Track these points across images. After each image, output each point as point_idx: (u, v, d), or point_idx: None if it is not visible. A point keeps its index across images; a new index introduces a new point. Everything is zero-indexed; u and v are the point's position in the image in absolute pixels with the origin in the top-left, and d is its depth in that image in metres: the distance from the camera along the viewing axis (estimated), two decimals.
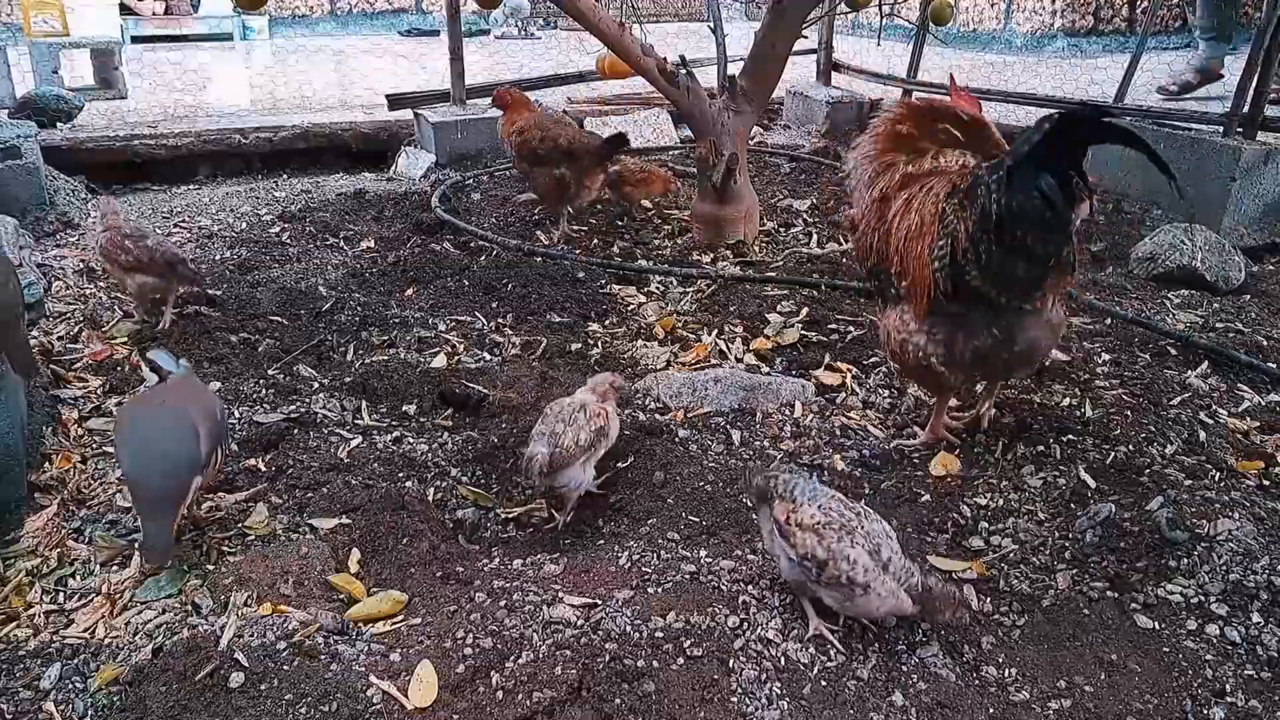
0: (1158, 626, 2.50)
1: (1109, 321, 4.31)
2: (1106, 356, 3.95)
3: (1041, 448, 3.27)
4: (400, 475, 3.15)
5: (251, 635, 2.34)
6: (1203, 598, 2.56)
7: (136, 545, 2.68)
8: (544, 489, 3.03)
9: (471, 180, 6.82)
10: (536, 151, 5.37)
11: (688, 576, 2.59)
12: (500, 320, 4.46)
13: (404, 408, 3.61)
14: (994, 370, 3.17)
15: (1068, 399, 3.58)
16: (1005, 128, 7.68)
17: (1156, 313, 4.45)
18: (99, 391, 3.65)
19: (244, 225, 5.82)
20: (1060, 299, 3.09)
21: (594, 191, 5.56)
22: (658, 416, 3.57)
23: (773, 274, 4.94)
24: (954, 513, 2.99)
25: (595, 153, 5.40)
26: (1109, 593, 2.62)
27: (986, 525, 2.93)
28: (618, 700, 2.15)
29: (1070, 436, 3.31)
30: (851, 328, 4.30)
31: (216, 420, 2.79)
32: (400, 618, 2.50)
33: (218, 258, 5.19)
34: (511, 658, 2.28)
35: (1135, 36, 9.56)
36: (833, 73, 8.99)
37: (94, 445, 3.29)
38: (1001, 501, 3.03)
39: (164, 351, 2.94)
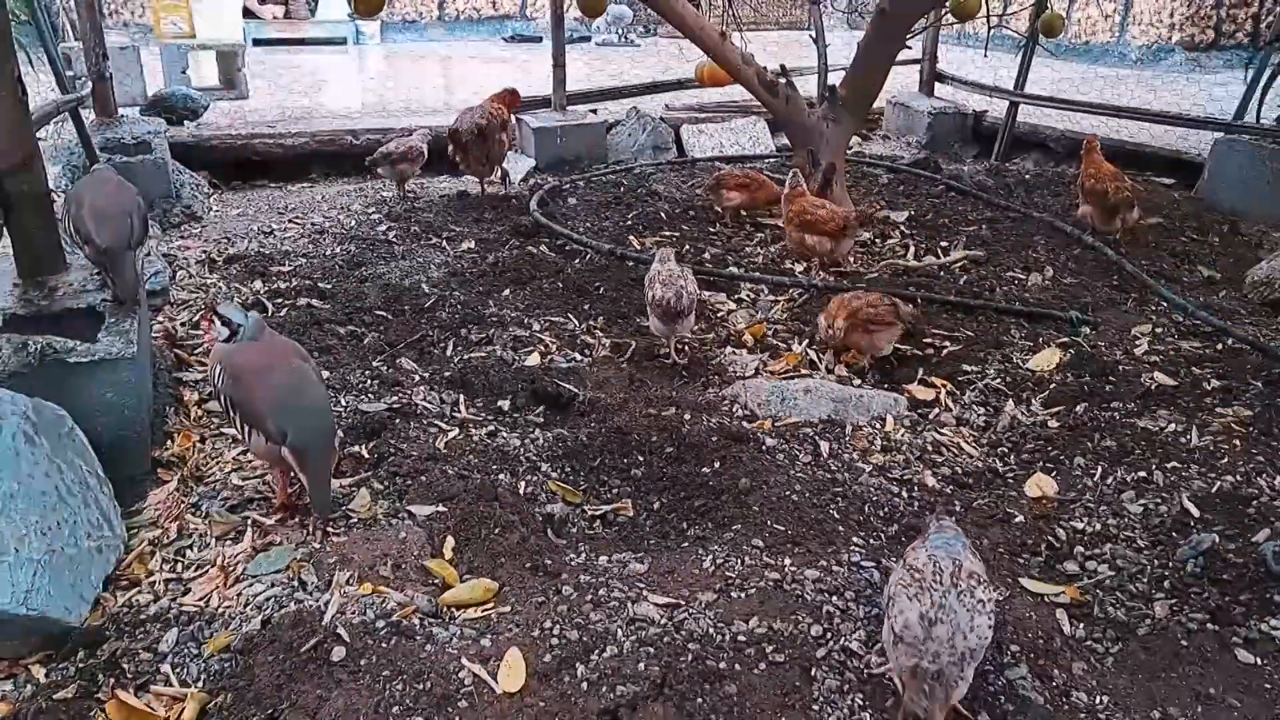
0: (1260, 662, 2.42)
1: (1220, 346, 4.17)
2: (1216, 382, 3.82)
3: (1143, 474, 3.19)
4: (494, 468, 3.24)
5: (353, 613, 2.45)
6: None
7: (309, 504, 2.89)
8: (673, 332, 4.02)
9: (569, 185, 6.94)
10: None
11: (771, 583, 2.61)
12: (592, 322, 4.54)
13: (499, 403, 3.71)
14: None
15: (1173, 424, 3.48)
16: (1114, 143, 7.49)
17: (1272, 339, 4.28)
18: None
19: (353, 223, 6.04)
20: None
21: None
22: (745, 424, 3.59)
23: (866, 285, 4.91)
24: (1049, 535, 2.94)
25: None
26: (1209, 625, 2.55)
27: (1082, 550, 2.88)
28: (699, 700, 2.19)
29: (1174, 463, 3.22)
30: (947, 343, 4.25)
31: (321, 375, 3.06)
32: (491, 605, 2.57)
33: (328, 253, 5.40)
34: (596, 651, 2.34)
35: (1258, 51, 9.17)
36: (936, 83, 8.86)
37: (213, 425, 3.47)
38: (1099, 526, 2.96)
39: (232, 305, 3.07)
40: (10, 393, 2.62)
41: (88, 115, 6.18)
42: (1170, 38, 11.95)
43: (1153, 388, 3.76)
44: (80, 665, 2.36)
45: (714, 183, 5.93)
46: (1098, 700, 2.31)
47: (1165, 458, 3.26)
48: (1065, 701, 2.31)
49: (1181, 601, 2.64)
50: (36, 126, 3.69)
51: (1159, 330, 4.35)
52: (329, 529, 2.84)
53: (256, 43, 13.69)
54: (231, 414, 2.90)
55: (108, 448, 2.90)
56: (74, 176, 5.49)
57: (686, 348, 4.31)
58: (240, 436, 2.95)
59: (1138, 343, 4.24)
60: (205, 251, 5.36)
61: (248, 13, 13.62)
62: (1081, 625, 2.57)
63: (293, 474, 2.85)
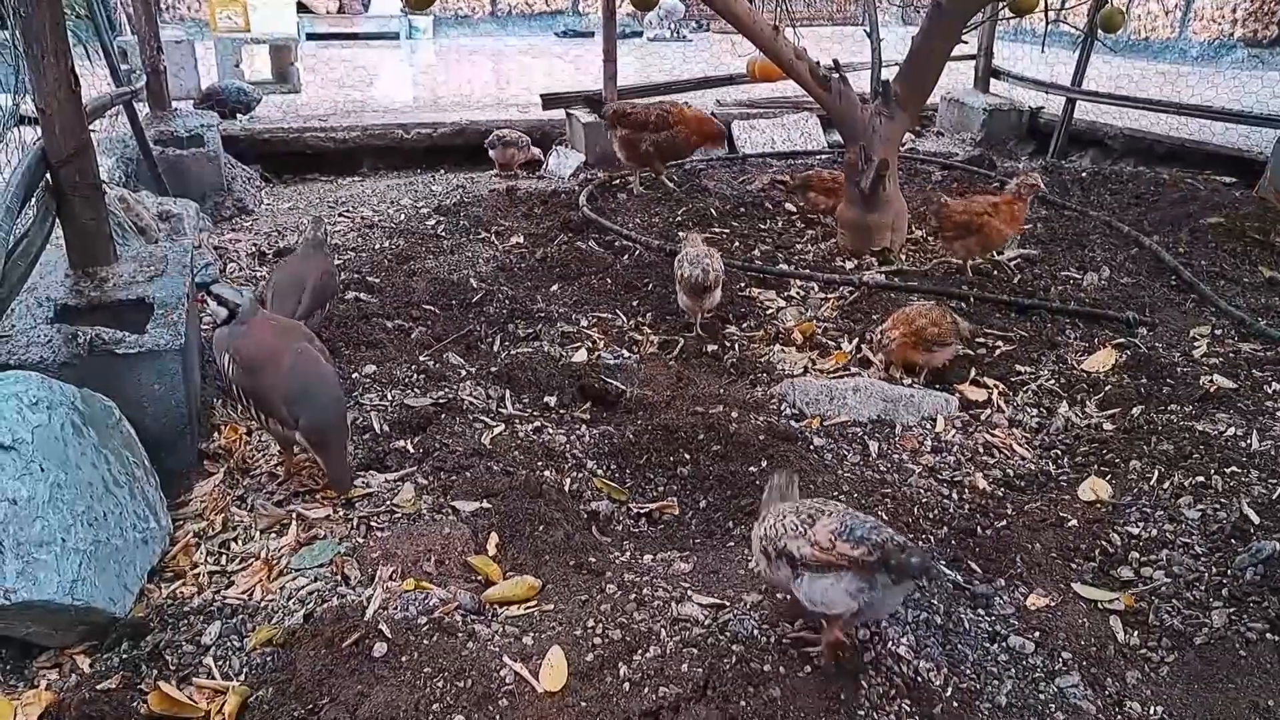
0: None
1: None
2: (1277, 385, 3.69)
3: (1201, 478, 3.09)
4: (539, 464, 3.23)
5: (395, 608, 2.45)
6: None
7: (328, 482, 3.01)
8: (699, 307, 4.28)
9: (618, 181, 6.92)
10: None
11: None
12: (640, 319, 4.51)
13: (545, 399, 3.70)
14: None
15: (1232, 428, 3.37)
16: (1174, 141, 7.29)
17: None
18: None
19: (402, 217, 6.08)
20: None
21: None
22: (793, 423, 3.55)
23: (918, 283, 4.82)
24: (1103, 540, 2.86)
25: None
26: (1269, 635, 2.46)
27: (1138, 556, 2.79)
28: (743, 703, 2.15)
29: (1234, 468, 3.11)
30: (1000, 342, 4.16)
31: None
32: (533, 603, 2.56)
33: (377, 247, 5.44)
34: (639, 651, 2.31)
35: None
36: (991, 79, 8.69)
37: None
38: (1155, 532, 2.87)
39: (228, 285, 3.13)
40: (59, 383, 2.66)
41: (142, 108, 6.29)
42: (1232, 33, 11.60)
43: (1212, 390, 3.65)
44: (124, 656, 2.38)
45: (801, 182, 5.85)
46: (1152, 711, 2.25)
47: (1224, 462, 3.15)
48: (1118, 711, 2.25)
49: (1240, 610, 2.55)
50: (90, 119, 3.75)
51: (1218, 332, 4.22)
52: (373, 523, 2.84)
53: (310, 37, 13.87)
54: (245, 403, 2.97)
55: (154, 439, 2.94)
56: (127, 169, 5.59)
57: (736, 346, 4.27)
58: (255, 422, 3.05)
59: (1196, 344, 4.11)
60: (256, 244, 5.43)
61: (302, 7, 13.79)
62: (1136, 633, 2.50)
63: (308, 454, 2.93)
